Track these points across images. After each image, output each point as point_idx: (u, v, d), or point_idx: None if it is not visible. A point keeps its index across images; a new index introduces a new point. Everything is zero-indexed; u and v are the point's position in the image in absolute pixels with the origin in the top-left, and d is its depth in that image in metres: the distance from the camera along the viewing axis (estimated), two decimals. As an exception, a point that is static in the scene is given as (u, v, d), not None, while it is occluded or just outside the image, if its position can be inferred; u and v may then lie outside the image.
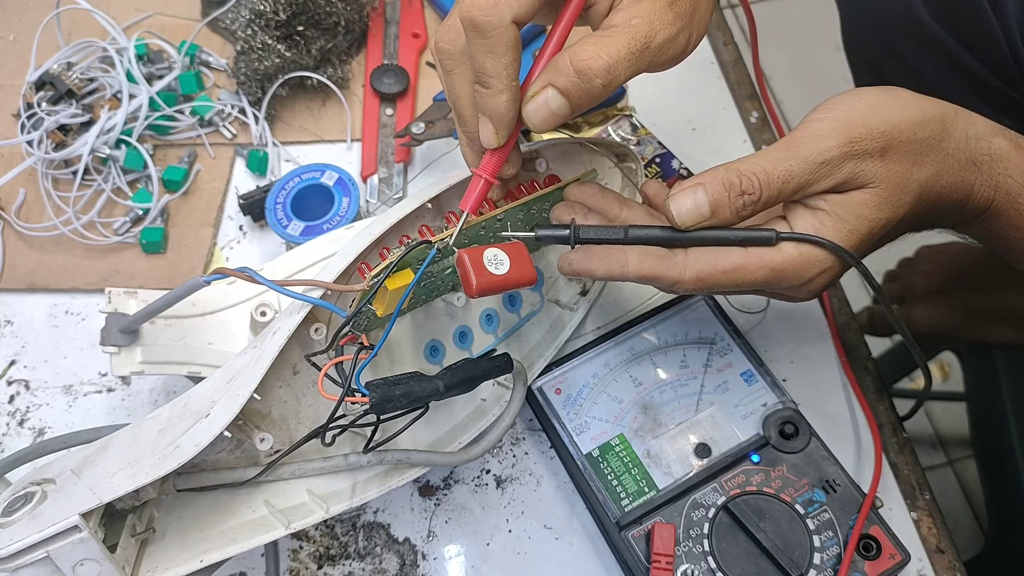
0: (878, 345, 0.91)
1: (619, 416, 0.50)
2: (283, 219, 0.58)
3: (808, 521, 0.46)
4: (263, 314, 0.49)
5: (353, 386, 0.37)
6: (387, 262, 0.38)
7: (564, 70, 0.38)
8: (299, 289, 0.39)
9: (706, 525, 0.46)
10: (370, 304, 0.38)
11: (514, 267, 0.40)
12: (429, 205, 0.43)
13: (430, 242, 0.38)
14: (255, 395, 0.38)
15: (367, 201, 0.62)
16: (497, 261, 0.39)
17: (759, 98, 0.68)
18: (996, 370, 0.78)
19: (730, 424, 0.50)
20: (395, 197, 0.62)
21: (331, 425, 0.38)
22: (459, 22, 0.39)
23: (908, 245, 0.91)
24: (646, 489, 0.48)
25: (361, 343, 0.39)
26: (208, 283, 0.42)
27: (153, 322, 0.48)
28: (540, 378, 0.52)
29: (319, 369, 0.39)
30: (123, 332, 0.47)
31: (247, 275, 0.39)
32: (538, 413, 0.52)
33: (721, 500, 0.47)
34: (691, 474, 0.48)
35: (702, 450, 0.49)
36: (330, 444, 0.40)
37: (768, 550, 0.45)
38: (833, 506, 0.47)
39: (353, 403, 0.37)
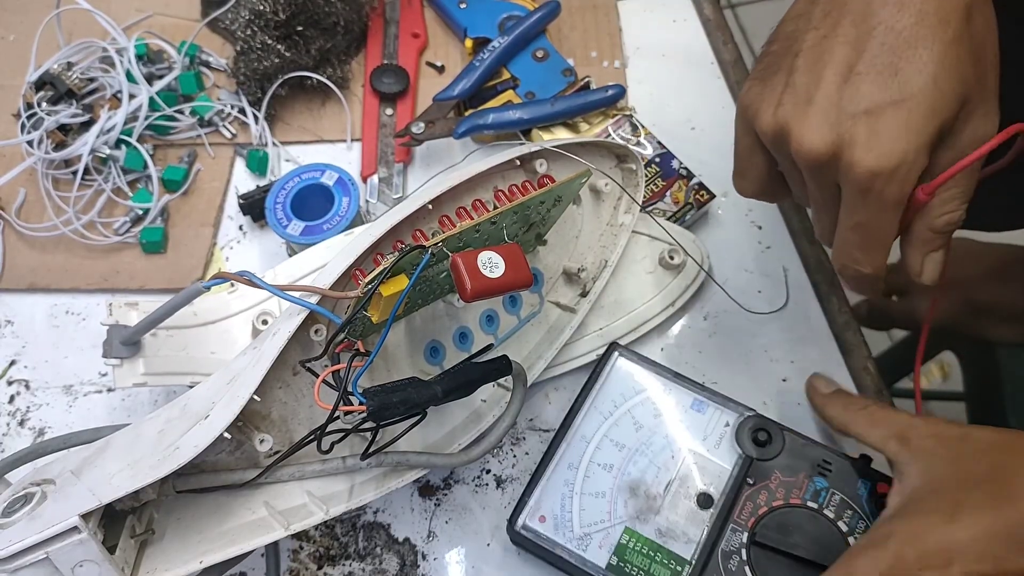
0: (878, 345, 0.91)
1: (611, 511, 0.48)
2: (283, 219, 0.58)
3: (826, 512, 0.46)
4: (264, 323, 0.49)
5: (350, 393, 0.37)
6: (380, 268, 0.38)
7: None
8: (297, 294, 0.39)
9: (746, 569, 0.45)
10: (365, 311, 0.38)
11: (509, 270, 0.39)
12: (430, 206, 0.43)
13: (423, 247, 0.38)
14: (255, 396, 0.37)
15: (367, 201, 0.62)
16: (492, 264, 0.39)
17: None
18: (996, 370, 0.78)
19: (711, 459, 0.48)
20: (395, 197, 0.62)
21: (328, 431, 0.38)
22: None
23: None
24: (678, 568, 0.46)
25: (357, 350, 0.39)
26: (208, 288, 0.42)
27: (155, 333, 0.48)
28: (519, 517, 0.48)
29: (316, 375, 0.39)
30: (125, 344, 0.47)
31: (246, 279, 0.39)
32: (537, 553, 0.48)
33: (745, 538, 0.46)
34: (707, 529, 0.47)
35: (704, 500, 0.48)
36: (327, 451, 0.40)
37: (809, 559, 0.44)
38: (837, 484, 0.47)
39: (349, 412, 0.37)
